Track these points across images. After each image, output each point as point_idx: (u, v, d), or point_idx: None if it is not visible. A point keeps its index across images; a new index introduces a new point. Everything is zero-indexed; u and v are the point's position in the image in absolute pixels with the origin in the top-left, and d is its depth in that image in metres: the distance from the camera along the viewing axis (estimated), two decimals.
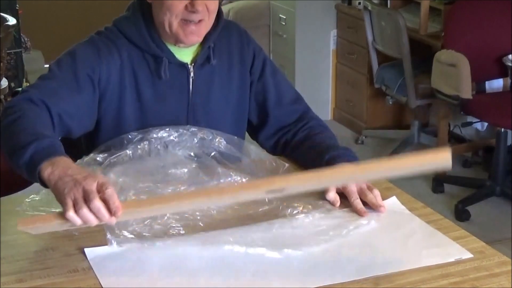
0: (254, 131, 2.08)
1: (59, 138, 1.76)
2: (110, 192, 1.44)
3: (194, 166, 1.77)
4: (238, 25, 2.07)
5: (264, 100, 2.03)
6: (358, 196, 1.73)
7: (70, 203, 1.45)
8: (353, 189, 1.73)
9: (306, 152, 1.93)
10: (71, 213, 1.44)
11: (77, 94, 1.82)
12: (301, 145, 1.97)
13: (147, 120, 1.90)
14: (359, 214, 1.69)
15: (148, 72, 1.90)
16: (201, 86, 1.95)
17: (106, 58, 1.87)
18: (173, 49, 1.91)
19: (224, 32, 1.98)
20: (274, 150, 2.04)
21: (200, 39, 1.90)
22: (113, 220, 1.46)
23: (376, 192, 1.74)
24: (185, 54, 1.93)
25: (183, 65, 1.92)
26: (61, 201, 1.47)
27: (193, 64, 1.93)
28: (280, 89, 2.04)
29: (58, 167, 1.53)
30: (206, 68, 1.95)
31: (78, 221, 1.45)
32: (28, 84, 5.44)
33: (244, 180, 1.77)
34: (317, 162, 1.82)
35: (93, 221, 1.45)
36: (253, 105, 2.04)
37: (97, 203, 1.43)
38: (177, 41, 1.89)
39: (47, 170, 1.53)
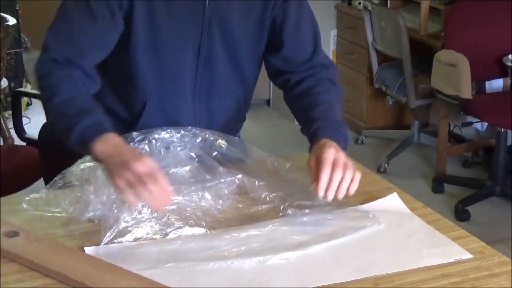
0: (268, 57, 1.96)
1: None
2: (163, 180, 1.52)
3: (195, 165, 1.77)
4: None
5: (281, 24, 1.88)
6: (329, 170, 1.61)
7: (119, 182, 1.53)
8: (327, 159, 1.62)
9: (300, 111, 1.87)
10: (129, 197, 1.52)
11: (98, 27, 1.76)
12: (300, 99, 1.89)
13: (158, 33, 1.80)
14: (315, 190, 1.61)
15: None
16: (218, 8, 1.81)
17: None
18: None
19: None
20: (279, 85, 1.97)
21: None
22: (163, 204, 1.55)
23: (348, 177, 1.61)
24: None
25: None
26: (111, 179, 1.56)
27: None
28: (300, 22, 1.91)
29: (110, 144, 1.60)
30: None
31: (130, 197, 1.52)
32: (28, 84, 5.45)
33: (245, 179, 1.77)
34: (305, 128, 1.79)
35: (143, 198, 1.52)
36: (271, 27, 1.90)
37: (149, 186, 1.50)
38: None
39: (99, 146, 1.60)
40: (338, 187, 1.61)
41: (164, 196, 1.54)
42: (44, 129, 2.33)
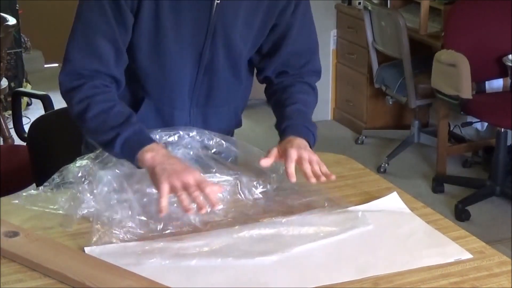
0: (261, 61, 1.96)
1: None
2: (209, 189, 1.59)
3: (192, 164, 1.77)
4: None
5: (283, 32, 1.89)
6: (293, 161, 1.70)
7: (166, 188, 1.59)
8: (291, 155, 1.70)
9: (276, 105, 1.92)
10: (164, 201, 1.58)
11: (117, 34, 1.76)
12: (277, 93, 1.92)
13: (162, 38, 1.79)
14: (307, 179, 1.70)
15: None
16: (225, 11, 1.80)
17: None
18: None
19: None
20: (262, 81, 1.98)
21: None
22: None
23: (317, 167, 1.71)
24: None
25: None
26: (158, 184, 1.60)
27: None
28: (302, 32, 1.92)
29: (158, 153, 1.65)
30: None
31: (165, 203, 1.58)
32: (28, 84, 5.44)
33: (244, 178, 1.77)
34: (277, 124, 1.85)
35: (187, 205, 1.58)
36: (271, 32, 1.89)
37: (196, 193, 1.58)
38: None
39: (147, 155, 1.65)
40: (313, 171, 1.70)
41: (213, 199, 1.60)
42: (32, 128, 2.34)
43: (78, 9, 1.78)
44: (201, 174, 1.64)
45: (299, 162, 1.71)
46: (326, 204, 1.73)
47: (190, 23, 1.79)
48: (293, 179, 1.69)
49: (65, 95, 1.76)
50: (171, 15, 1.76)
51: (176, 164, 1.63)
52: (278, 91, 1.93)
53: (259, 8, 1.83)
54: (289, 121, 1.82)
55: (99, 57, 1.75)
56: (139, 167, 1.68)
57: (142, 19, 1.76)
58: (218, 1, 1.77)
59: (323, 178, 1.70)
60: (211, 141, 1.82)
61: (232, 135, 2.02)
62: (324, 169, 1.72)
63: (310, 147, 1.78)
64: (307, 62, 1.96)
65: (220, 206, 1.68)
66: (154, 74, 1.85)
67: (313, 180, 1.70)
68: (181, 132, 1.81)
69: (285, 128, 1.81)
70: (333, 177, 1.72)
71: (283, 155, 1.73)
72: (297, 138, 1.76)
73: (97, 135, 1.74)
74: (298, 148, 1.72)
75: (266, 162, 1.74)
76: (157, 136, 1.77)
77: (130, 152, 1.68)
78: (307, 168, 1.70)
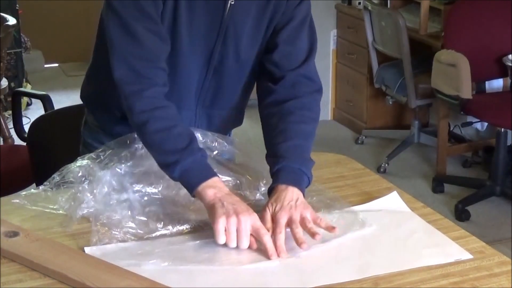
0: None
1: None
2: (267, 238, 1.55)
3: None
4: None
5: (281, 28, 1.85)
6: (282, 231, 1.58)
7: (222, 228, 1.56)
8: (280, 222, 1.60)
9: (270, 133, 1.80)
10: (220, 238, 1.56)
11: (158, 39, 1.73)
12: (274, 118, 1.81)
13: (178, 40, 1.78)
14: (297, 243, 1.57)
15: None
16: (237, 12, 1.79)
17: None
18: None
19: None
20: (259, 95, 1.90)
21: None
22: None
23: (310, 225, 1.61)
24: None
25: None
26: (214, 220, 1.57)
27: None
28: (300, 30, 1.88)
29: (221, 190, 1.63)
30: None
31: (230, 241, 1.56)
32: (28, 84, 5.44)
33: (245, 179, 1.77)
34: (270, 159, 1.75)
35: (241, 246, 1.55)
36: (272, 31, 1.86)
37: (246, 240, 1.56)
38: None
39: (210, 191, 1.62)
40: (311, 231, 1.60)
41: (270, 249, 1.54)
42: (32, 128, 2.34)
43: (107, 7, 1.73)
44: (259, 221, 1.58)
45: (290, 225, 1.60)
46: (326, 204, 1.73)
47: (203, 23, 1.78)
48: (274, 256, 1.54)
49: (125, 100, 1.72)
50: (187, 15, 1.76)
51: (237, 204, 1.59)
52: (275, 116, 1.82)
53: (267, 8, 1.82)
54: (283, 161, 1.71)
55: (149, 51, 1.72)
56: (194, 196, 1.65)
57: (164, 17, 1.75)
58: (233, 2, 1.76)
59: (318, 237, 1.58)
60: (214, 143, 1.82)
61: (230, 132, 2.02)
62: (324, 223, 1.62)
63: (303, 193, 1.68)
64: (301, 65, 1.87)
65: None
66: None
67: (304, 246, 1.55)
68: None
69: (277, 171, 1.70)
70: (336, 230, 1.61)
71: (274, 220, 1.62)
72: (288, 191, 1.65)
73: (156, 154, 1.70)
74: (289, 210, 1.61)
75: (273, 256, 1.55)
76: None
77: (189, 182, 1.65)
78: (297, 233, 1.58)
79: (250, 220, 1.57)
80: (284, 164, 1.70)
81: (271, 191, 1.68)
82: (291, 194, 1.65)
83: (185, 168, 1.64)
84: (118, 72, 1.71)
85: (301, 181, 1.69)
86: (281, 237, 1.57)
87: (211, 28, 1.79)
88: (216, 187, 1.63)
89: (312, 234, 1.58)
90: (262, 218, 1.61)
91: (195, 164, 1.65)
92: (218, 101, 1.90)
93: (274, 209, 1.62)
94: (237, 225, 1.56)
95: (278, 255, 1.54)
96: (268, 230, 1.58)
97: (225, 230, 1.56)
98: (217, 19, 1.78)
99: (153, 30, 1.72)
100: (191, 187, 1.64)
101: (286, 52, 1.85)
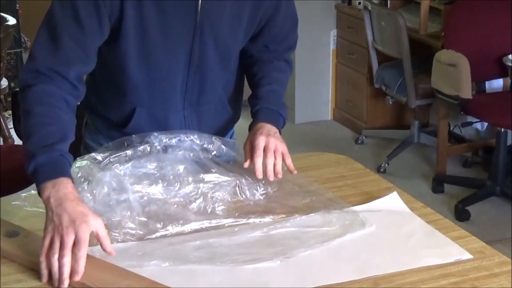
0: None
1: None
2: (82, 253, 1.44)
3: (192, 166, 1.77)
4: None
5: (267, 21, 1.90)
6: (260, 156, 1.78)
7: (47, 243, 1.47)
8: (259, 146, 1.79)
9: (252, 78, 1.97)
10: (42, 257, 1.46)
11: (85, 36, 1.70)
12: (255, 66, 1.97)
13: (149, 40, 1.76)
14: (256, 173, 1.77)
15: None
16: (211, 9, 1.78)
17: None
18: None
19: None
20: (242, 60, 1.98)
21: None
22: (64, 284, 1.43)
23: (279, 159, 1.80)
24: None
25: None
26: (44, 234, 1.49)
27: None
28: (285, 17, 1.93)
29: (57, 192, 1.52)
30: None
31: (43, 267, 1.46)
32: None
33: (244, 180, 1.77)
34: (250, 102, 1.93)
35: (54, 272, 1.44)
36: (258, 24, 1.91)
37: (65, 260, 1.44)
38: None
39: (47, 191, 1.53)
40: (274, 169, 1.79)
41: (78, 267, 1.44)
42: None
43: (50, 6, 1.72)
44: (89, 231, 1.48)
45: (264, 153, 1.79)
46: (326, 205, 1.73)
47: (176, 24, 1.76)
48: (260, 176, 1.77)
49: (20, 92, 1.69)
50: (156, 18, 1.73)
51: (65, 215, 1.48)
52: (255, 65, 1.97)
53: None
54: (262, 103, 1.90)
55: (62, 58, 1.68)
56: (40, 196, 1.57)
57: (127, 24, 1.72)
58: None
59: (279, 175, 1.79)
60: (211, 145, 1.82)
61: (231, 130, 2.02)
62: (288, 161, 1.81)
63: (280, 131, 1.87)
64: (285, 39, 1.99)
65: (221, 207, 1.68)
66: (145, 82, 1.82)
67: (271, 178, 1.78)
68: (181, 136, 1.81)
69: (257, 111, 1.89)
70: (295, 172, 1.81)
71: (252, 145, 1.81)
72: (267, 125, 1.85)
73: (24, 142, 1.63)
74: (267, 136, 1.81)
75: (246, 164, 1.81)
76: (158, 140, 1.77)
77: (35, 179, 1.56)
78: (269, 163, 1.78)
79: (71, 235, 1.46)
80: (263, 105, 1.90)
81: (251, 128, 1.87)
82: (270, 127, 1.85)
83: (38, 164, 1.56)
84: (29, 63, 1.69)
85: (278, 121, 1.89)
86: (260, 160, 1.78)
87: (186, 28, 1.77)
88: (55, 186, 1.53)
89: (276, 173, 1.78)
90: (244, 147, 1.82)
91: (48, 164, 1.57)
92: (204, 96, 1.90)
93: (252, 139, 1.81)
94: (59, 241, 1.46)
95: (257, 176, 1.76)
96: (252, 158, 1.78)
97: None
98: (190, 19, 1.76)
99: (79, 41, 1.69)
100: (37, 185, 1.57)
101: (276, 33, 1.96)
